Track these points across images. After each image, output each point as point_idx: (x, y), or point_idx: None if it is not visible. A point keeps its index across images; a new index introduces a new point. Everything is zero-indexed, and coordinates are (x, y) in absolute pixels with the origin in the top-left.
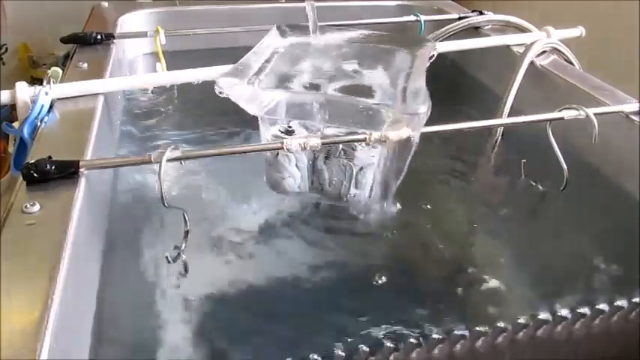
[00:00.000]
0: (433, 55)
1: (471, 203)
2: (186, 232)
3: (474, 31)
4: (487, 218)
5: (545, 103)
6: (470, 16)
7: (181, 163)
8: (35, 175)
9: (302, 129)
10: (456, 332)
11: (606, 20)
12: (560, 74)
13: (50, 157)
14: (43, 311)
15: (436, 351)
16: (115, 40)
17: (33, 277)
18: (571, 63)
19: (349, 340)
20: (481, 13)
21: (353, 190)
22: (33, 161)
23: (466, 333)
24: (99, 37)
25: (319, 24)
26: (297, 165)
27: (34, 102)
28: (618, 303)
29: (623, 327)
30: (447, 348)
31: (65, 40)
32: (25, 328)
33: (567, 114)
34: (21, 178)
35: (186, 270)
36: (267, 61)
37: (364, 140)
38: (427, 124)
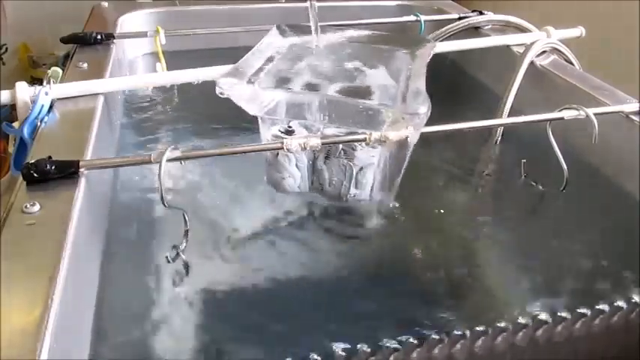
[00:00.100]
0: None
1: (471, 203)
2: (186, 232)
3: (474, 31)
4: (487, 218)
5: (545, 103)
6: (470, 16)
7: (181, 163)
8: (35, 175)
9: (302, 129)
10: (455, 332)
11: (606, 20)
12: (560, 74)
13: (50, 157)
14: (43, 311)
15: (436, 351)
16: (115, 40)
17: (33, 277)
18: (571, 63)
19: (349, 340)
20: (481, 13)
21: (353, 190)
22: (33, 161)
23: (466, 333)
24: (99, 37)
25: (319, 24)
26: (297, 165)
27: (34, 102)
28: (618, 303)
29: (623, 327)
30: (446, 348)
31: (65, 40)
32: (25, 328)
33: (567, 114)
34: (21, 178)
35: (186, 270)
36: (268, 61)
37: (364, 140)
38: (427, 124)
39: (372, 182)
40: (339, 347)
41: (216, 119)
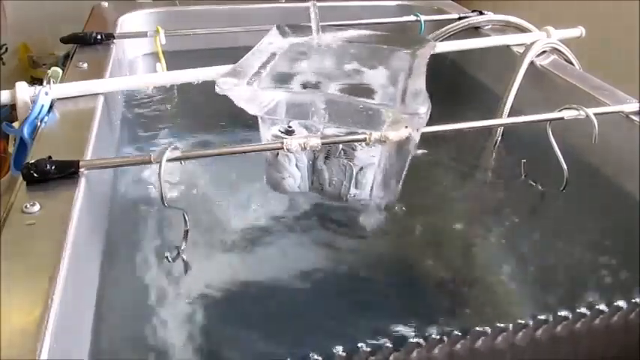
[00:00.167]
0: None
1: (471, 203)
2: (186, 232)
3: (474, 31)
4: (487, 218)
5: (545, 103)
6: (470, 16)
7: (181, 162)
8: (35, 175)
9: (302, 129)
10: (455, 332)
11: (606, 20)
12: (560, 74)
13: (50, 157)
14: (43, 311)
15: (436, 351)
16: (115, 40)
17: (33, 277)
18: (571, 63)
19: (349, 340)
20: (481, 13)
21: (353, 190)
22: (33, 161)
23: (466, 333)
24: (99, 37)
25: (320, 24)
26: (297, 165)
27: (34, 102)
28: (618, 303)
29: (623, 327)
30: (447, 348)
31: (65, 40)
32: (25, 328)
33: (567, 114)
34: (21, 178)
35: (186, 270)
36: (268, 61)
37: (364, 140)
38: (427, 124)
39: (372, 182)
40: (339, 347)
41: (216, 119)
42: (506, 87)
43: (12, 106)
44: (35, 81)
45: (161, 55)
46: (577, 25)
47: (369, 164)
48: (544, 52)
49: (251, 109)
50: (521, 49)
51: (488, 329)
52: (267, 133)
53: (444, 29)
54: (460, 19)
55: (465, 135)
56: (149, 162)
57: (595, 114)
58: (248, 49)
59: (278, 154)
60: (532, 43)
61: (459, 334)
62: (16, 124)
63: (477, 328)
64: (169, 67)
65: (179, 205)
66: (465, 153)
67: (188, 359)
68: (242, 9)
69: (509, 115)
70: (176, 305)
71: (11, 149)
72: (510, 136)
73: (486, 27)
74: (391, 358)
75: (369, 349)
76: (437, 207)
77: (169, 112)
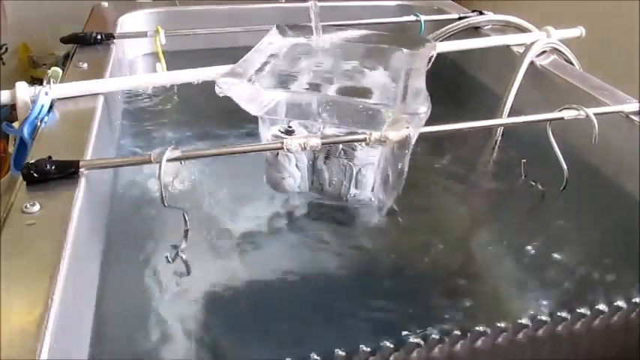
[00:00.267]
0: (432, 56)
1: (471, 203)
2: (186, 232)
3: (474, 31)
4: (487, 218)
5: (545, 103)
6: (470, 16)
7: (181, 163)
8: (35, 175)
9: (302, 129)
10: (455, 332)
11: (606, 20)
12: (560, 74)
13: (50, 157)
14: (43, 311)
15: (436, 351)
16: (115, 40)
17: (33, 277)
18: (571, 63)
19: (349, 340)
20: (481, 13)
21: (353, 190)
22: (33, 161)
23: (466, 333)
24: (99, 37)
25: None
26: (297, 165)
27: (34, 102)
28: (618, 303)
29: (623, 327)
30: (447, 348)
31: (65, 40)
32: (25, 328)
33: (567, 114)
34: (21, 178)
35: (186, 270)
36: (268, 61)
37: (364, 140)
38: (427, 124)
39: (372, 182)
40: (339, 347)
41: (216, 119)
42: (506, 87)
43: (12, 106)
44: (35, 81)
45: (161, 55)
46: (577, 25)
47: (369, 164)
48: (544, 52)
49: (251, 109)
50: (521, 49)
51: (488, 329)
52: (267, 133)
53: (444, 29)
54: (460, 19)
55: (465, 135)
56: (149, 162)
57: (595, 114)
58: (248, 49)
59: (278, 154)
60: (532, 43)
61: (459, 334)
62: (16, 124)
63: (477, 328)
64: (169, 67)
65: (179, 205)
66: (465, 153)
67: (187, 359)
68: (242, 9)
69: (509, 115)
70: (176, 305)
71: (11, 149)
72: (510, 136)
73: (486, 27)
74: (391, 358)
75: (369, 349)
76: (437, 207)
77: (169, 112)
